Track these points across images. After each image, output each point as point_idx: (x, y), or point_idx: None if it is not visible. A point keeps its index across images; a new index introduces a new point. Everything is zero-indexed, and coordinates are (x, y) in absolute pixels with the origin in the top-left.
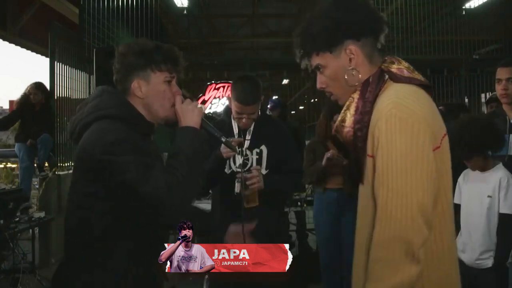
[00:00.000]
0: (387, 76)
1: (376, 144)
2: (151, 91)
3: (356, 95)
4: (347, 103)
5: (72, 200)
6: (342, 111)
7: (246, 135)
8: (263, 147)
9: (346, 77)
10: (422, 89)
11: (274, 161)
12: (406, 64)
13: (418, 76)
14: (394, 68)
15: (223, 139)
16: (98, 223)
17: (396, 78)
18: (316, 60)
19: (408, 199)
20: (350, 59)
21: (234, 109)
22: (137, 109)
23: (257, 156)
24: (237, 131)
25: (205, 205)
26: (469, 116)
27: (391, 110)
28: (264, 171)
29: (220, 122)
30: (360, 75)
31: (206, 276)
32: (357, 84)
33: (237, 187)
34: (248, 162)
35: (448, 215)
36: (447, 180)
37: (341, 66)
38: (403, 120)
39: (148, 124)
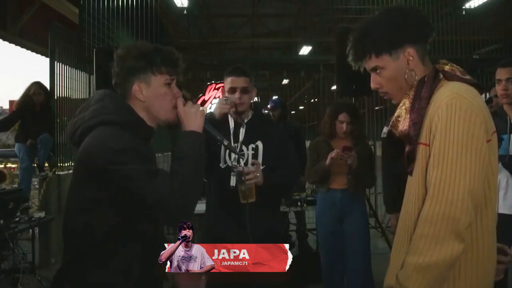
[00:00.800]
0: (441, 75)
1: (434, 130)
2: (152, 94)
3: (411, 92)
4: (403, 100)
5: (73, 203)
6: (398, 107)
7: (240, 129)
8: (259, 143)
9: (406, 77)
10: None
11: (270, 157)
12: (459, 67)
13: (469, 77)
14: (447, 68)
15: (225, 142)
16: (101, 227)
17: (451, 77)
18: (374, 62)
19: (460, 181)
20: (408, 61)
21: (227, 87)
22: (138, 113)
23: (253, 152)
24: (233, 125)
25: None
26: None
27: (452, 100)
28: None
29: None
30: (417, 76)
31: (203, 277)
32: (412, 85)
33: (233, 181)
34: (243, 157)
35: (491, 206)
36: (493, 172)
37: (399, 68)
38: (462, 109)
39: (149, 128)
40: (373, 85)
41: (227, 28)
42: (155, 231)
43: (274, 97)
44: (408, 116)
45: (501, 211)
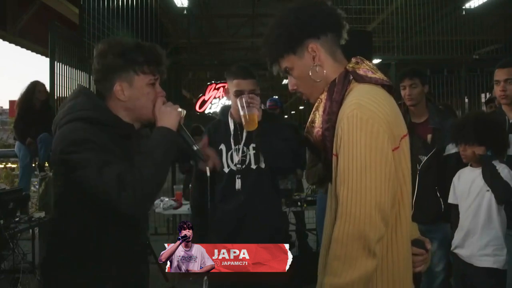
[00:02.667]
0: (351, 77)
1: (338, 143)
2: (135, 95)
3: (324, 96)
4: (316, 104)
5: (52, 203)
6: (312, 112)
7: (242, 130)
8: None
9: (310, 73)
10: (384, 89)
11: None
12: (370, 64)
13: (381, 76)
14: (358, 68)
15: (195, 147)
16: (69, 221)
17: (360, 79)
18: (283, 64)
19: (366, 197)
20: (313, 57)
21: (233, 90)
22: (116, 111)
23: (254, 151)
24: (233, 127)
25: None
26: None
27: (353, 111)
28: (263, 165)
29: (217, 122)
30: (324, 71)
31: (206, 277)
32: (321, 80)
33: (238, 184)
34: (246, 158)
35: (404, 214)
36: (404, 180)
37: (306, 65)
38: (363, 121)
39: (125, 125)
40: (290, 87)
41: (227, 28)
42: (121, 231)
43: (274, 97)
44: (321, 120)
45: None
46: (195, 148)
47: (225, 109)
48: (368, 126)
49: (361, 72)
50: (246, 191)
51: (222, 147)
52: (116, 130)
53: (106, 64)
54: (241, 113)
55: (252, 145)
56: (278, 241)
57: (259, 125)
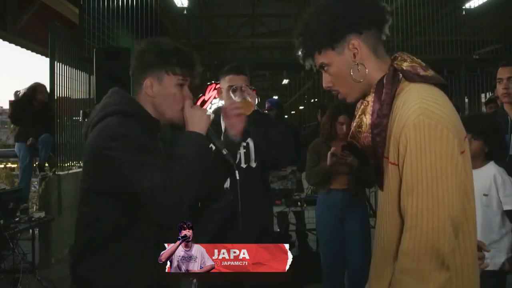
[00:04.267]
0: (401, 76)
1: (403, 152)
2: (162, 92)
3: (370, 98)
4: (362, 107)
5: (80, 196)
6: (357, 116)
7: None
8: (249, 140)
9: (351, 73)
10: (438, 87)
11: (262, 154)
12: (419, 61)
13: (432, 73)
14: (406, 65)
15: (224, 152)
16: (102, 219)
17: (411, 78)
18: (319, 59)
19: (439, 209)
20: (354, 54)
21: (226, 86)
22: (143, 106)
23: (245, 150)
24: (223, 127)
25: None
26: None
27: (419, 117)
28: (253, 164)
29: (213, 121)
30: (366, 70)
31: (194, 280)
32: (363, 80)
33: (227, 182)
34: (236, 158)
35: (472, 221)
36: (470, 186)
37: (346, 63)
38: (432, 127)
39: (154, 120)
40: (324, 84)
41: (227, 28)
42: (156, 230)
43: (274, 97)
44: (370, 125)
45: (506, 208)
46: (224, 152)
47: (218, 110)
48: (437, 132)
49: (411, 70)
50: (235, 190)
51: (212, 146)
52: (147, 124)
53: (143, 61)
54: (237, 100)
55: (243, 144)
56: (266, 242)
57: (251, 117)
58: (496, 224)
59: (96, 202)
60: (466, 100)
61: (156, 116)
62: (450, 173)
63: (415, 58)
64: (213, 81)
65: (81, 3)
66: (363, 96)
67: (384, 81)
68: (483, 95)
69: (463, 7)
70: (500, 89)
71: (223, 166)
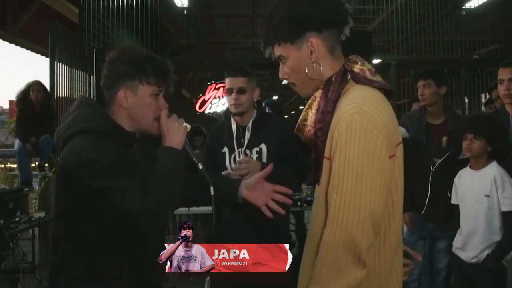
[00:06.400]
0: (349, 76)
1: (334, 147)
2: (137, 103)
3: (318, 94)
4: (309, 101)
5: (56, 208)
6: (304, 109)
7: (245, 132)
8: (263, 145)
9: (306, 70)
10: (382, 93)
11: (275, 159)
12: (369, 66)
13: (379, 78)
14: (357, 68)
15: (200, 166)
16: (79, 233)
17: (358, 79)
18: (278, 51)
19: (361, 205)
20: (311, 52)
21: (226, 88)
22: (117, 119)
23: (257, 155)
24: (235, 129)
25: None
26: None
27: (353, 115)
28: None
29: (221, 125)
30: (321, 68)
31: (208, 278)
32: (317, 78)
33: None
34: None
35: (394, 223)
36: (396, 189)
37: (302, 58)
38: (363, 126)
39: (128, 134)
40: (280, 75)
41: (227, 28)
42: (142, 244)
43: (274, 97)
44: (314, 119)
45: (503, 209)
46: (200, 167)
47: (228, 112)
48: (367, 133)
49: (360, 72)
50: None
51: (225, 149)
52: (119, 139)
53: (115, 71)
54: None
55: (256, 148)
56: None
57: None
58: (497, 225)
59: (72, 218)
60: (466, 100)
61: (130, 128)
62: (375, 172)
63: (366, 63)
64: (213, 81)
65: (81, 3)
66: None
67: (333, 79)
68: (483, 95)
69: (463, 7)
70: (501, 90)
71: (198, 180)
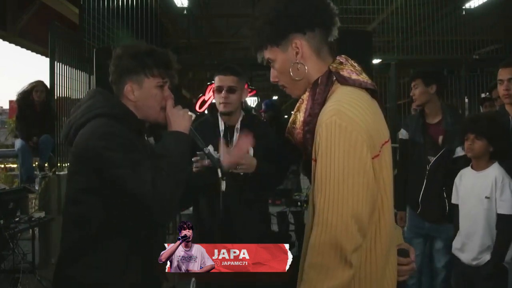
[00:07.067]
0: (334, 78)
1: (316, 149)
2: (143, 95)
3: (305, 96)
4: (298, 104)
5: (68, 196)
6: (293, 112)
7: (233, 133)
8: (250, 148)
9: (290, 70)
10: (368, 92)
11: (260, 161)
12: (355, 65)
13: (365, 78)
14: (342, 69)
15: (206, 151)
16: (92, 218)
17: (343, 81)
18: (266, 54)
19: (343, 207)
20: (296, 53)
21: (215, 86)
22: (128, 108)
23: None
24: (223, 128)
25: None
26: None
27: (332, 117)
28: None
29: (204, 120)
30: (306, 69)
31: (193, 279)
32: (302, 78)
33: (223, 185)
34: (222, 168)
35: (384, 223)
36: (384, 188)
37: (288, 60)
38: (342, 128)
39: (140, 121)
40: (271, 79)
41: (227, 28)
42: (146, 228)
43: (274, 97)
44: (302, 122)
45: (499, 211)
46: (206, 151)
47: (214, 108)
48: (346, 134)
49: (344, 73)
50: (231, 194)
51: (210, 147)
52: (133, 125)
53: (121, 66)
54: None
55: None
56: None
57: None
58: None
59: (85, 201)
60: (466, 100)
61: (140, 117)
62: (357, 173)
63: (353, 63)
64: (213, 81)
65: (81, 3)
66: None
67: (319, 81)
68: (483, 95)
69: (463, 7)
70: (501, 90)
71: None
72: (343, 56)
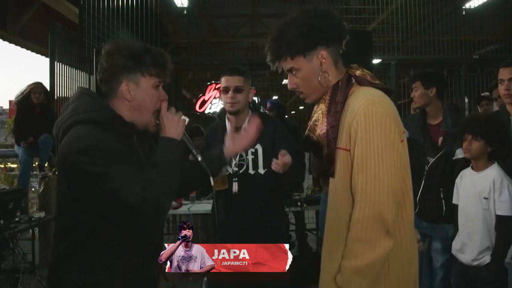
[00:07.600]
0: (354, 80)
1: (354, 136)
2: (140, 95)
3: (327, 97)
4: (319, 105)
5: (57, 203)
6: (314, 112)
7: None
8: (258, 146)
9: (319, 79)
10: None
11: (271, 160)
12: (368, 72)
13: (378, 81)
14: (359, 73)
15: (199, 158)
16: (81, 226)
17: (362, 82)
18: (290, 63)
19: (384, 183)
20: (321, 63)
21: (222, 87)
22: (118, 111)
23: (253, 156)
24: (230, 129)
25: (205, 205)
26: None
27: (369, 106)
28: (262, 171)
29: (215, 126)
30: (330, 78)
31: (205, 278)
32: (326, 86)
33: (235, 187)
34: (243, 162)
35: (408, 198)
36: (406, 170)
37: (313, 69)
38: (378, 115)
39: (128, 124)
40: (289, 86)
41: (227, 28)
42: (136, 236)
43: (274, 97)
44: (325, 120)
45: (498, 212)
46: (199, 158)
47: (223, 112)
48: (382, 120)
49: (362, 76)
50: (243, 195)
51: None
52: (119, 129)
53: (115, 64)
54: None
55: (251, 150)
56: (277, 241)
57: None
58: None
59: (73, 210)
60: (466, 100)
61: (131, 119)
62: (393, 154)
63: (365, 70)
64: (213, 81)
65: (81, 3)
66: (320, 98)
67: (339, 84)
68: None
69: (463, 7)
70: (501, 90)
71: (198, 172)
72: (355, 64)
